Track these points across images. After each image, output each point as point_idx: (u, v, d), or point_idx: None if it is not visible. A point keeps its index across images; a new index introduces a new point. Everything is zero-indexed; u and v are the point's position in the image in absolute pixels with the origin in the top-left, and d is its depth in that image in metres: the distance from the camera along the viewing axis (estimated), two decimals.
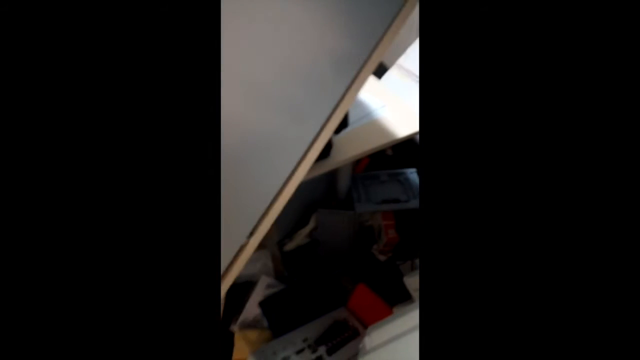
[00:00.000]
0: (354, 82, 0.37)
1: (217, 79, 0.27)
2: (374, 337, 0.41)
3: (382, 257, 0.84)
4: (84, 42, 0.25)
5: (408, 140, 0.82)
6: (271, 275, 0.85)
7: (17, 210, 0.24)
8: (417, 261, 0.77)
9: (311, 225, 0.79)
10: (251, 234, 0.37)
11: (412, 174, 0.82)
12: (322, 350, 0.65)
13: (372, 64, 0.37)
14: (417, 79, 0.88)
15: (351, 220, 0.77)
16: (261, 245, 0.89)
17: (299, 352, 0.64)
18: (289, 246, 0.81)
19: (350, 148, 0.73)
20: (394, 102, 0.82)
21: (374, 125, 0.77)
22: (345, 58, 0.36)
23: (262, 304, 0.76)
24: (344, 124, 0.67)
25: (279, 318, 0.73)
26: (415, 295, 0.56)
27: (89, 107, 0.25)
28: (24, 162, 0.24)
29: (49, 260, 0.24)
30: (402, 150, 0.92)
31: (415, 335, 0.39)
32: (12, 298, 0.23)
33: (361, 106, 0.81)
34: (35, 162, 0.24)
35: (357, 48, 0.36)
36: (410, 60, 0.92)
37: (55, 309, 0.24)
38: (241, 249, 0.37)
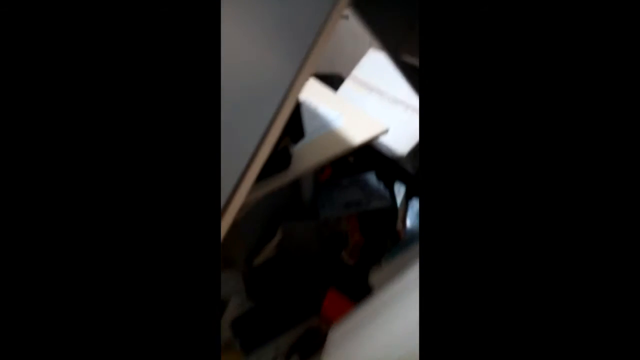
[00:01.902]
0: (288, 95, 0.38)
1: (217, 78, 0.27)
2: (335, 335, 0.42)
3: (351, 261, 0.86)
4: (82, 37, 0.25)
5: (367, 147, 0.86)
6: (243, 294, 0.84)
7: (17, 210, 0.23)
8: (382, 261, 0.80)
9: (278, 237, 0.80)
10: None
11: (371, 177, 0.86)
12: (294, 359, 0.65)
13: (305, 77, 0.39)
14: (370, 89, 0.93)
15: (317, 228, 0.78)
16: (230, 264, 0.88)
17: None
18: (257, 261, 0.81)
19: (310, 158, 0.75)
20: (349, 111, 0.86)
21: (332, 135, 0.80)
22: (276, 73, 0.37)
23: (233, 325, 0.75)
24: (300, 135, 0.70)
25: (251, 336, 0.72)
26: (377, 289, 0.58)
27: (87, 98, 0.25)
28: (24, 162, 0.24)
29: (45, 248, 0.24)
30: (362, 156, 0.95)
31: (375, 324, 0.41)
32: (12, 298, 0.23)
33: (318, 117, 0.84)
34: (33, 160, 0.24)
35: (287, 61, 0.37)
36: (363, 70, 0.97)
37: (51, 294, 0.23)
38: None
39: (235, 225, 0.82)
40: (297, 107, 0.66)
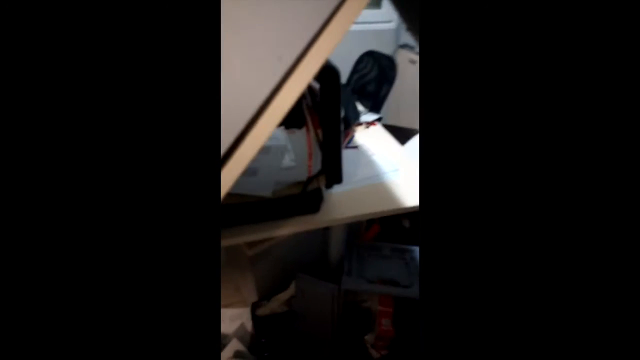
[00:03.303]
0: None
1: (217, 73, 0.27)
2: None
3: (374, 353, 0.67)
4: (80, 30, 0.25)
5: None
6: (245, 341, 0.72)
7: (18, 211, 0.24)
8: None
9: (290, 291, 0.68)
10: None
11: None
12: None
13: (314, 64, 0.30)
14: None
15: (336, 295, 0.64)
16: (243, 303, 0.78)
17: None
18: (262, 311, 0.69)
19: (346, 207, 0.63)
20: (410, 168, 0.72)
21: (381, 188, 0.67)
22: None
23: None
24: (337, 178, 0.59)
25: None
26: None
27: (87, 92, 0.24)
28: (24, 162, 0.24)
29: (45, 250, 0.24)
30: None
31: None
32: (12, 299, 0.23)
33: (371, 166, 0.73)
34: (34, 160, 0.24)
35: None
36: None
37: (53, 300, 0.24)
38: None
39: (250, 261, 0.73)
40: (337, 146, 0.57)
